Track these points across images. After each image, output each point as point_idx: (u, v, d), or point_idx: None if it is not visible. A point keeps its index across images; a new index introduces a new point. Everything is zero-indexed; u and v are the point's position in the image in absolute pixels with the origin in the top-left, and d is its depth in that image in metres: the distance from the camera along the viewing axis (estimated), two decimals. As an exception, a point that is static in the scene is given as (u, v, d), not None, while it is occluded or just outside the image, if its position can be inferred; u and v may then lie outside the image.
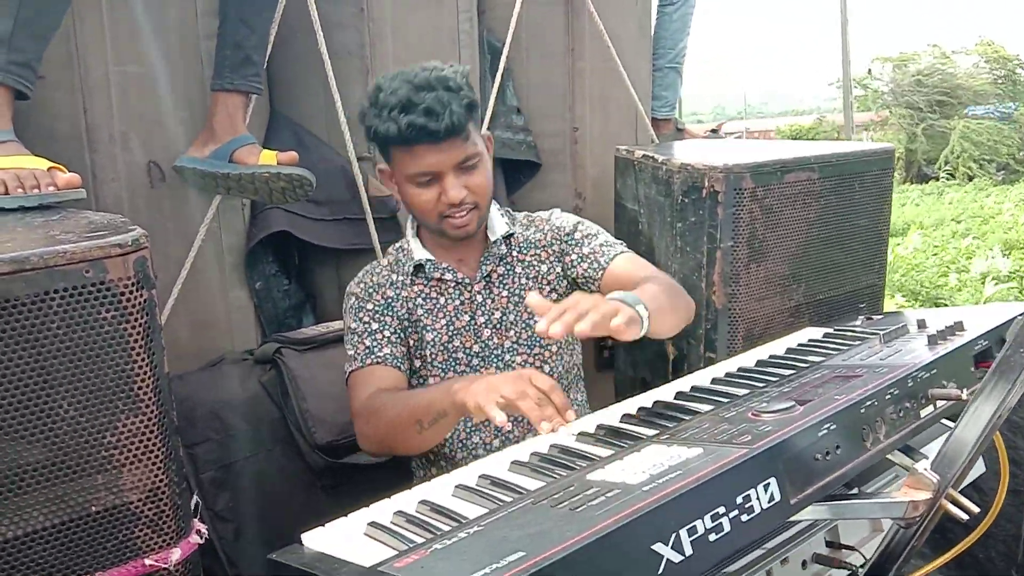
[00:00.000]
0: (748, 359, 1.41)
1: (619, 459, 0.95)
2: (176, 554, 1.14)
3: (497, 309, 1.59)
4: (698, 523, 0.79)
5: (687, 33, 2.99)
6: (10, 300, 0.94)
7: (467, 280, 1.59)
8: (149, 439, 1.07)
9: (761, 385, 1.20)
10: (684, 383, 1.31)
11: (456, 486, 0.99)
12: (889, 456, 1.03)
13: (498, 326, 1.59)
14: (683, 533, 0.78)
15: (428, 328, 1.57)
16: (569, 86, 2.62)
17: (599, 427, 1.14)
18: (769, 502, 0.86)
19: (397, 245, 1.68)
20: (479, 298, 1.59)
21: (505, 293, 1.60)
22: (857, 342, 1.35)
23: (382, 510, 0.95)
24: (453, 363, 1.58)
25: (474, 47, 2.35)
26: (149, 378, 1.06)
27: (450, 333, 1.57)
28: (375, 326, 1.55)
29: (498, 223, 1.62)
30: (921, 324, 1.35)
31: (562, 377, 1.64)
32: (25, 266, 0.95)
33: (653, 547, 0.76)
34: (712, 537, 0.80)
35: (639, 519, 0.76)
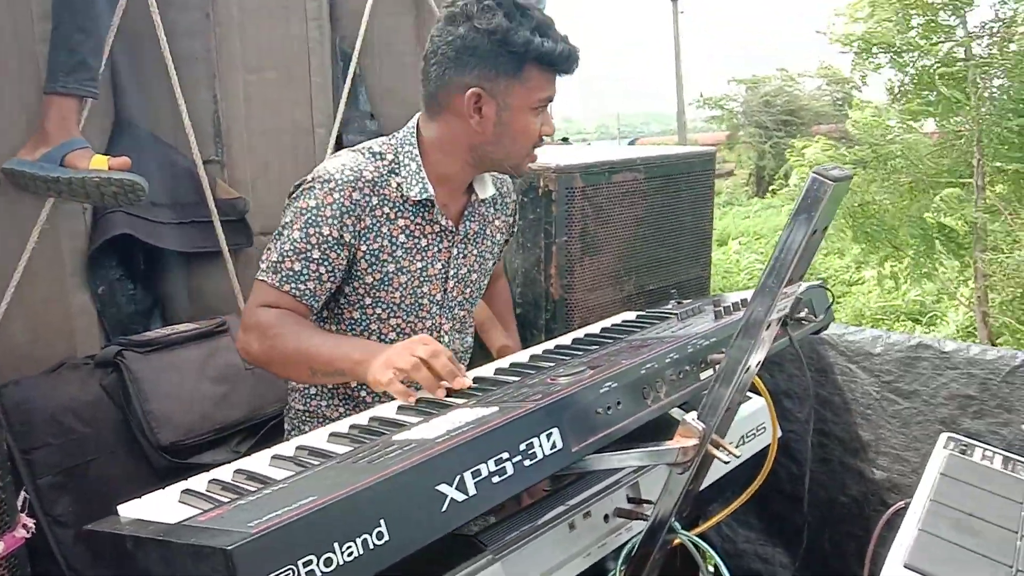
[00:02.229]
0: (567, 338, 1.53)
1: (426, 422, 1.04)
2: (-1, 547, 1.15)
3: (464, 265, 1.59)
4: (482, 467, 0.89)
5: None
6: None
7: (452, 229, 1.56)
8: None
9: (568, 359, 1.32)
10: (504, 361, 1.42)
11: (272, 456, 1.05)
12: (671, 412, 1.17)
13: (461, 281, 1.59)
14: (467, 476, 0.87)
15: (403, 270, 1.50)
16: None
17: (419, 400, 1.23)
18: (552, 449, 0.97)
19: (383, 154, 1.51)
20: (455, 250, 1.57)
21: (475, 252, 1.61)
22: (659, 321, 1.50)
23: (198, 480, 1.00)
24: (417, 308, 1.54)
25: (325, 54, 2.41)
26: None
27: (422, 279, 1.53)
28: (316, 254, 1.42)
29: (488, 183, 1.61)
30: (716, 303, 1.50)
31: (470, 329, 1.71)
32: None
33: (438, 487, 0.85)
34: (495, 479, 0.90)
35: (425, 463, 0.85)
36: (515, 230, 1.78)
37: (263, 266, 1.45)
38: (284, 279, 1.42)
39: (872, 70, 5.58)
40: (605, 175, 2.00)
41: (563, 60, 1.43)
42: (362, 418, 1.18)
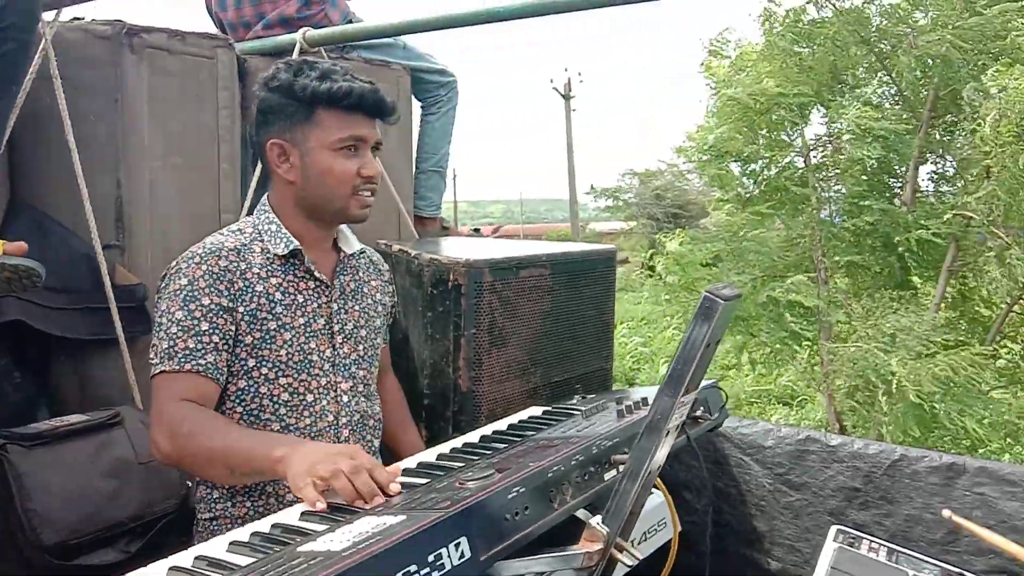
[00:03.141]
0: (475, 436, 1.54)
1: (331, 531, 1.03)
2: None
3: (349, 320, 1.61)
4: (389, 581, 0.89)
5: (448, 140, 3.24)
6: None
7: (327, 283, 1.59)
8: None
9: (476, 458, 1.33)
10: (411, 461, 1.42)
11: (170, 568, 1.02)
12: (576, 514, 1.19)
13: (350, 337, 1.60)
14: (375, 591, 0.87)
15: (286, 326, 1.51)
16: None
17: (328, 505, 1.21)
18: (460, 559, 0.97)
19: (242, 229, 1.58)
20: (335, 305, 1.59)
21: (357, 308, 1.63)
22: (564, 418, 1.53)
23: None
24: (307, 366, 1.53)
25: (235, 142, 2.42)
26: None
27: (307, 335, 1.54)
28: (204, 326, 1.43)
29: (352, 238, 1.68)
30: (618, 401, 1.56)
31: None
32: None
33: (344, 605, 0.84)
34: (404, 593, 0.90)
35: (331, 580, 0.84)
36: (396, 301, 1.86)
37: (156, 360, 1.44)
38: (183, 359, 1.42)
39: (721, 174, 6.26)
40: (513, 270, 2.06)
41: (346, 97, 1.51)
42: (264, 525, 1.16)
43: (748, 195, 6.35)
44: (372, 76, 2.79)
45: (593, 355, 2.31)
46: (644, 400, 1.48)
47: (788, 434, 1.93)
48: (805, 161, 6.03)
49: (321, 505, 1.18)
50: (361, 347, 1.63)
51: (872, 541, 1.57)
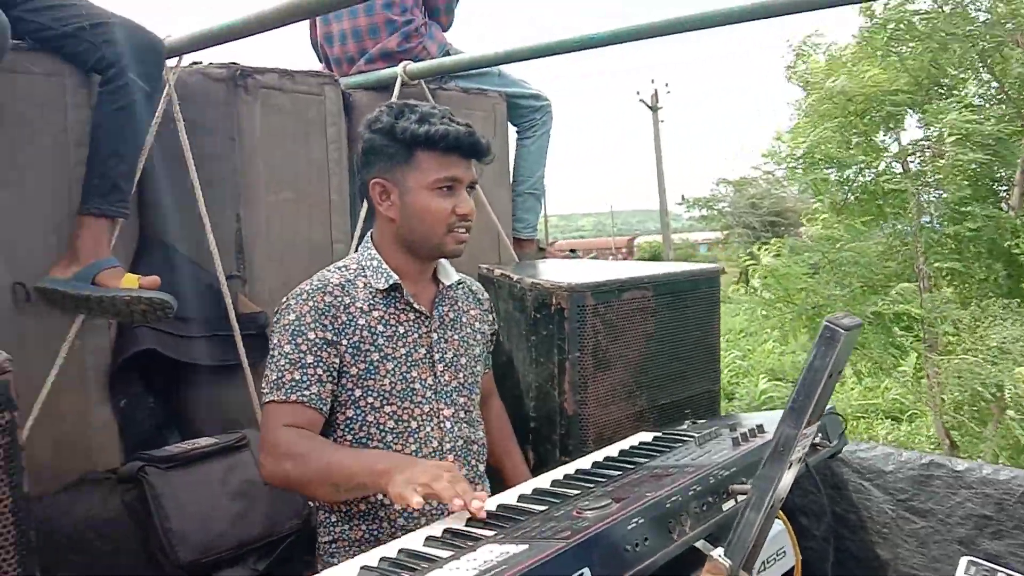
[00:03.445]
0: (586, 462, 1.55)
1: (456, 559, 1.06)
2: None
3: (450, 349, 1.67)
4: (518, 611, 0.91)
5: (543, 163, 3.27)
6: None
7: (426, 314, 1.66)
8: (5, 559, 1.10)
9: (591, 486, 1.34)
10: (527, 487, 1.44)
11: (307, 592, 1.07)
12: (696, 545, 1.19)
13: (450, 365, 1.66)
14: (504, 621, 0.89)
15: (388, 357, 1.58)
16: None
17: (445, 531, 1.25)
18: (583, 590, 0.99)
19: (347, 266, 1.67)
20: (435, 335, 1.66)
21: (456, 337, 1.70)
22: (677, 444, 1.53)
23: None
24: (410, 394, 1.60)
25: (343, 175, 2.51)
26: (8, 498, 1.09)
27: (408, 364, 1.61)
28: (310, 359, 1.53)
29: (450, 270, 1.74)
30: (732, 428, 1.54)
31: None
32: None
33: (476, 634, 0.87)
34: (530, 623, 0.92)
35: (464, 610, 0.87)
36: (496, 329, 1.91)
37: (266, 389, 1.55)
38: (289, 391, 1.51)
39: (815, 181, 6.07)
40: (615, 292, 2.06)
41: (443, 139, 1.57)
42: (391, 550, 1.20)
43: (844, 202, 6.18)
44: (469, 104, 2.89)
45: (700, 377, 2.29)
46: (760, 427, 1.46)
47: (910, 458, 1.86)
48: (903, 166, 5.82)
49: (419, 503, 1.25)
50: (461, 375, 1.69)
51: (1009, 574, 1.50)
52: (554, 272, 2.25)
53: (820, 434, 1.50)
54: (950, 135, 5.22)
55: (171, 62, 2.13)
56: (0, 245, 1.88)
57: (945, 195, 5.69)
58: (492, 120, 2.97)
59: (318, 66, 3.11)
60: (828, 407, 1.68)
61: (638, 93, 24.90)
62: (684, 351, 2.22)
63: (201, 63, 2.39)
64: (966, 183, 5.50)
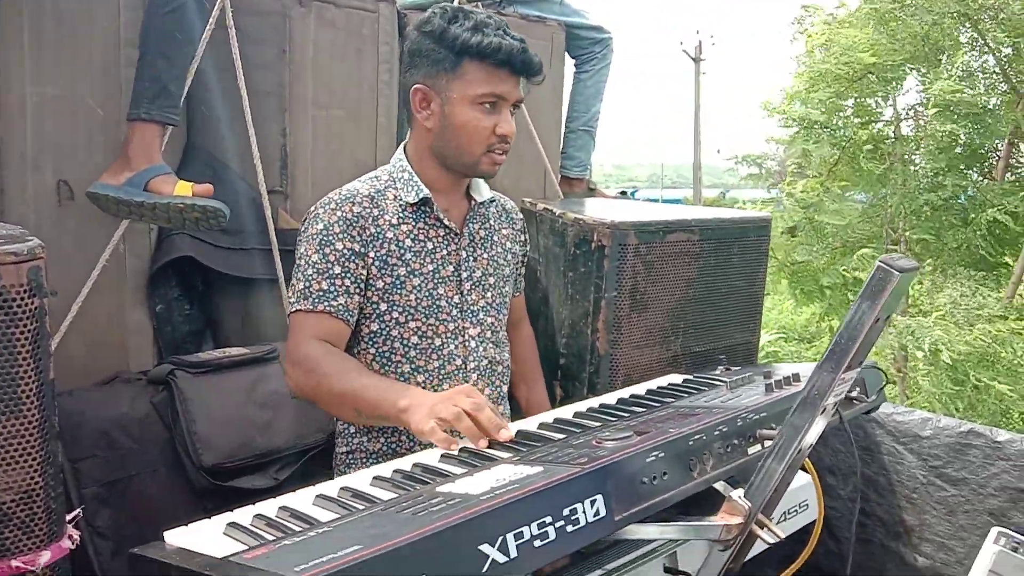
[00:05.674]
0: (612, 397, 1.52)
1: (470, 475, 1.04)
2: (45, 557, 1.17)
3: (478, 268, 1.63)
4: (525, 529, 0.89)
5: (600, 99, 3.18)
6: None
7: (456, 231, 1.62)
8: (28, 442, 1.11)
9: (613, 420, 1.31)
10: (548, 415, 1.42)
11: (317, 495, 1.07)
12: (715, 486, 1.15)
13: (478, 285, 1.63)
14: (510, 537, 0.88)
15: (416, 272, 1.55)
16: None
17: (462, 450, 1.23)
18: (595, 516, 0.96)
19: (378, 176, 1.62)
20: (464, 253, 1.62)
21: (485, 256, 1.66)
22: (707, 388, 1.49)
23: (243, 513, 1.02)
24: (436, 311, 1.57)
25: (393, 96, 2.47)
26: (33, 382, 1.10)
27: (435, 280, 1.58)
28: (337, 270, 1.50)
29: (483, 186, 1.68)
30: (767, 375, 1.49)
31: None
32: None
33: (480, 547, 0.85)
34: (537, 543, 0.90)
35: (469, 522, 0.85)
36: (527, 251, 1.86)
37: (293, 298, 1.53)
38: (316, 300, 1.49)
39: (813, 144, 6.13)
40: (659, 234, 2.01)
41: (496, 52, 1.48)
42: (405, 463, 1.19)
43: (834, 163, 6.21)
44: (527, 32, 2.80)
45: (739, 327, 2.23)
46: (795, 375, 1.41)
47: (948, 425, 1.79)
48: (895, 132, 5.77)
49: (455, 447, 1.21)
50: (489, 294, 1.65)
51: (1041, 548, 1.44)
52: (598, 209, 2.19)
53: (858, 388, 1.45)
54: (934, 105, 5.18)
55: (226, -32, 2.09)
56: (47, 143, 1.89)
57: (924, 164, 5.72)
58: (549, 50, 2.89)
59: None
60: (871, 362, 1.62)
61: (681, 43, 24.13)
62: (725, 299, 2.17)
63: (257, -28, 2.34)
64: (940, 154, 5.48)
